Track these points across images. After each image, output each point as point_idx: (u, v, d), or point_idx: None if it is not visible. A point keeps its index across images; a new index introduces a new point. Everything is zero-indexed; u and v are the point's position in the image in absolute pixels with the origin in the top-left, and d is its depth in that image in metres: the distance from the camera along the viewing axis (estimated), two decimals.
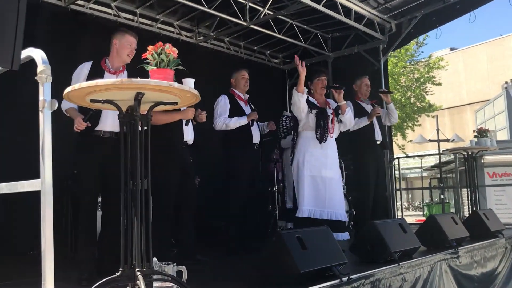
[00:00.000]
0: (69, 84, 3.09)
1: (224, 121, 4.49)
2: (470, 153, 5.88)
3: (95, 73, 3.36)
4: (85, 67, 3.43)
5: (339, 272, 2.89)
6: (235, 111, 4.56)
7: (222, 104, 4.57)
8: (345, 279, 2.86)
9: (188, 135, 4.06)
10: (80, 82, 2.86)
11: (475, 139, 5.85)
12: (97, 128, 3.39)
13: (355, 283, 2.93)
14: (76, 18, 5.48)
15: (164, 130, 3.94)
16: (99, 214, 4.33)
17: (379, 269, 3.21)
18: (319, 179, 4.28)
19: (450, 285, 3.92)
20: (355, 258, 3.68)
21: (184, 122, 3.99)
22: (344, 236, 4.31)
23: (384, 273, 3.22)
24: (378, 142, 5.33)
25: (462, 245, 4.39)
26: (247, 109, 4.69)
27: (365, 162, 5.23)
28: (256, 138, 4.67)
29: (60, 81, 2.64)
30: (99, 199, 4.14)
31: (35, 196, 1.82)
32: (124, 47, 3.45)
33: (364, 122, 5.10)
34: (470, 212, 5.59)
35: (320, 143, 4.33)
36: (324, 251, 2.98)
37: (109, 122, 3.39)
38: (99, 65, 3.46)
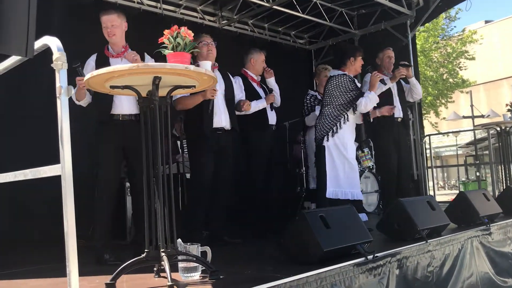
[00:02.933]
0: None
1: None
2: (503, 128, 5.70)
3: (101, 62, 3.38)
4: (91, 60, 3.47)
5: (364, 250, 2.88)
6: (249, 93, 4.51)
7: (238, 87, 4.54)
8: (370, 257, 2.84)
9: (222, 121, 4.06)
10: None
11: (509, 114, 5.67)
12: (115, 112, 3.41)
13: (381, 261, 2.91)
14: (101, 7, 5.52)
15: (192, 116, 3.99)
16: (129, 199, 4.48)
17: (406, 247, 3.18)
18: (344, 160, 4.28)
19: (482, 263, 3.84)
20: (382, 237, 3.65)
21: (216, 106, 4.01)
22: (363, 217, 4.31)
23: (411, 250, 3.18)
24: (399, 120, 5.20)
25: (495, 221, 4.28)
26: (260, 91, 4.66)
27: (384, 141, 5.14)
28: (272, 120, 4.65)
29: None
30: (128, 184, 4.27)
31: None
32: (103, 29, 3.45)
33: (384, 87, 4.85)
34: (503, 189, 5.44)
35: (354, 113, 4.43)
36: (349, 230, 2.97)
37: (125, 105, 3.42)
38: (103, 54, 3.49)
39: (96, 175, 4.68)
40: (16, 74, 2.49)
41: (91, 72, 2.41)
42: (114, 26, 3.41)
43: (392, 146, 5.11)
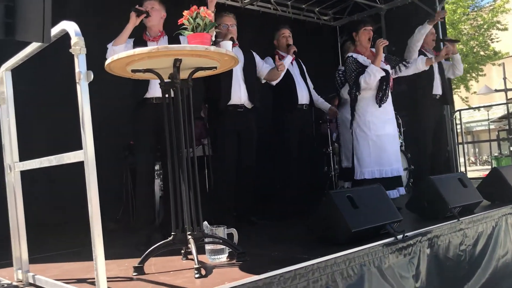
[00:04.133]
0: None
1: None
2: None
3: (139, 45, 3.40)
4: (128, 43, 3.46)
5: (393, 229, 2.82)
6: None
7: (269, 63, 4.47)
8: (400, 236, 2.79)
9: (241, 97, 4.03)
10: None
11: None
12: (148, 96, 3.49)
13: (411, 241, 2.85)
14: None
15: (212, 95, 3.96)
16: (157, 182, 4.51)
17: (437, 226, 3.10)
18: (383, 137, 4.18)
19: None
20: (412, 216, 3.58)
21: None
22: (402, 190, 4.23)
23: (443, 229, 3.11)
24: (438, 96, 5.07)
25: None
26: (293, 69, 4.59)
27: (422, 117, 5.02)
28: (304, 99, 4.57)
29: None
30: (156, 167, 4.29)
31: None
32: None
33: (425, 64, 4.64)
34: None
35: (380, 106, 4.24)
36: (377, 210, 2.91)
37: (158, 88, 3.42)
38: (142, 38, 3.54)
39: (125, 157, 4.77)
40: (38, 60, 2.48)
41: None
42: (154, 9, 3.51)
43: (430, 123, 4.99)
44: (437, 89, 5.02)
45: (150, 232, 3.48)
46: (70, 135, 2.78)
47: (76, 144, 2.15)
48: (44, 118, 4.52)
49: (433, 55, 5.04)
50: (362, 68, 4.24)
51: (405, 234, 2.82)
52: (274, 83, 4.42)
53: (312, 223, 2.93)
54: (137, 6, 3.42)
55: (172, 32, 3.61)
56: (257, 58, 4.27)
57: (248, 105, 4.07)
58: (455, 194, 3.47)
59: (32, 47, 2.12)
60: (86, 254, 2.67)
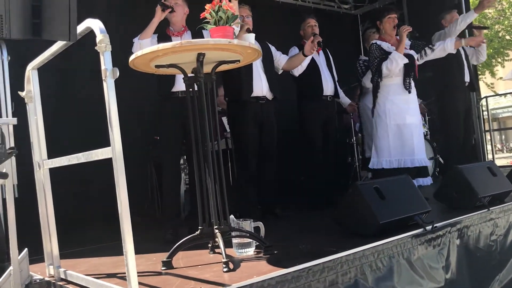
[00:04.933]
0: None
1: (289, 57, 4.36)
2: None
3: (163, 40, 3.40)
4: (153, 39, 3.48)
5: (422, 221, 2.78)
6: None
7: (294, 52, 4.44)
8: (429, 227, 2.74)
9: (263, 89, 4.02)
10: None
11: None
12: (174, 90, 3.51)
13: (440, 232, 2.80)
14: None
15: (232, 86, 3.95)
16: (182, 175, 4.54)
17: (467, 216, 3.04)
18: (403, 127, 4.11)
19: None
20: (440, 206, 3.52)
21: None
22: (426, 181, 4.16)
23: (472, 219, 3.05)
24: (467, 84, 4.98)
25: None
26: (318, 59, 4.55)
27: (452, 105, 4.91)
28: (329, 90, 4.52)
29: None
30: (181, 161, 4.32)
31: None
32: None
33: (454, 46, 4.54)
34: None
35: (410, 92, 4.18)
36: (405, 201, 2.87)
37: (182, 82, 3.45)
38: (165, 33, 3.56)
39: (150, 152, 4.81)
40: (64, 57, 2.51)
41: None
42: (177, 5, 3.54)
43: (459, 111, 4.91)
44: (466, 76, 4.92)
45: (176, 225, 3.51)
46: (97, 132, 2.81)
47: (102, 140, 2.17)
48: (70, 116, 4.58)
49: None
50: (385, 55, 4.17)
51: (434, 225, 2.78)
52: (297, 73, 4.38)
53: (338, 215, 2.90)
54: (163, 1, 3.43)
55: (194, 28, 3.63)
56: (272, 49, 4.25)
57: (270, 96, 4.06)
58: (484, 183, 3.40)
59: (58, 45, 2.13)
60: (113, 249, 2.72)
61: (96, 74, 2.03)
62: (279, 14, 6.69)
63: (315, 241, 2.76)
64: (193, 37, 3.55)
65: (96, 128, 3.18)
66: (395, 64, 4.09)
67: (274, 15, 6.53)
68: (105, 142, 2.01)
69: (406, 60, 4.13)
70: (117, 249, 2.18)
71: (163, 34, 3.54)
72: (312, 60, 4.47)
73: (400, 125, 4.15)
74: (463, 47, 5.03)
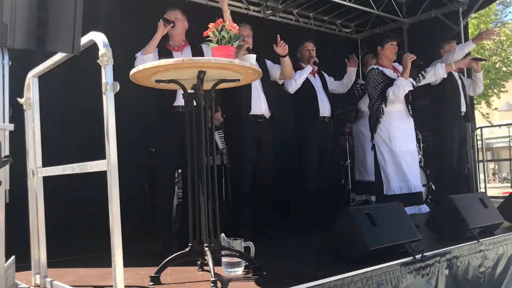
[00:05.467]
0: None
1: (291, 78, 4.37)
2: None
3: (164, 55, 3.46)
4: (155, 53, 3.49)
5: (412, 249, 2.78)
6: (303, 84, 4.47)
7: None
8: (418, 256, 2.74)
9: (262, 108, 4.04)
10: None
11: None
12: (175, 104, 3.53)
13: (430, 261, 2.80)
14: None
15: (230, 103, 3.97)
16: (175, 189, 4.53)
17: (457, 246, 3.05)
18: (407, 153, 4.16)
19: None
20: (431, 235, 3.53)
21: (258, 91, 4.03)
22: (425, 208, 4.17)
23: (462, 250, 3.06)
24: (463, 113, 5.03)
25: None
26: (315, 81, 4.60)
27: (448, 134, 4.96)
28: (325, 111, 4.55)
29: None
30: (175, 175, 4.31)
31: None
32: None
33: (445, 70, 4.59)
34: None
35: (413, 118, 4.28)
36: (396, 228, 2.87)
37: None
38: (165, 47, 3.58)
39: (144, 164, 4.80)
40: (65, 68, 2.52)
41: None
42: (178, 19, 3.58)
43: (454, 140, 4.95)
44: (462, 106, 4.98)
45: (166, 239, 3.49)
46: (90, 142, 2.80)
47: (95, 151, 2.18)
48: (67, 125, 4.57)
49: (456, 72, 5.00)
50: (389, 81, 4.22)
51: (424, 254, 2.78)
52: (291, 90, 4.41)
53: (330, 238, 2.90)
54: (165, 16, 3.47)
55: (195, 42, 3.66)
56: (268, 63, 4.26)
57: (268, 114, 4.08)
58: (475, 214, 3.41)
59: (60, 56, 2.14)
60: (102, 260, 2.69)
61: (95, 85, 2.05)
62: (282, 35, 6.73)
63: (304, 264, 2.75)
64: (192, 52, 3.58)
65: (90, 138, 3.19)
66: (402, 91, 4.15)
67: (274, 35, 6.58)
68: (98, 152, 2.03)
69: (411, 87, 4.21)
70: (105, 260, 2.17)
71: (163, 48, 3.57)
72: (309, 82, 4.52)
73: (403, 152, 4.21)
74: (460, 77, 5.10)
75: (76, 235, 4.15)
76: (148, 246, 3.44)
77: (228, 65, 2.32)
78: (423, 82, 4.51)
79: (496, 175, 24.46)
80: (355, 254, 2.67)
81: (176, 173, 4.27)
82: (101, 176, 1.94)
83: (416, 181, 4.21)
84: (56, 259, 2.96)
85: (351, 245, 2.69)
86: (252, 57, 2.68)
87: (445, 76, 4.66)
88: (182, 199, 3.84)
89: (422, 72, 4.42)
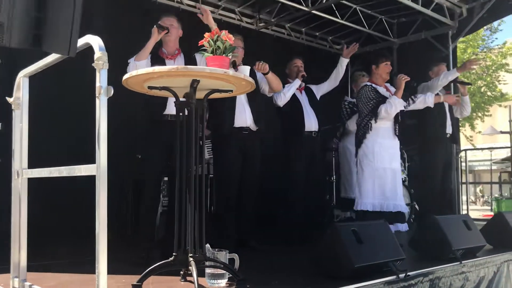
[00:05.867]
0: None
1: (280, 92, 4.40)
2: None
3: (157, 62, 3.44)
4: (148, 59, 3.47)
5: (396, 268, 2.79)
6: (290, 100, 4.50)
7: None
8: (402, 275, 2.75)
9: (247, 120, 4.04)
10: None
11: None
12: (165, 113, 3.50)
13: (413, 280, 2.81)
14: (140, 5, 5.58)
15: (216, 115, 3.96)
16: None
17: (439, 267, 3.06)
18: (388, 171, 4.18)
19: None
20: (414, 254, 3.54)
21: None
22: (404, 227, 4.22)
23: (445, 271, 3.07)
24: (448, 135, 5.09)
25: None
26: (301, 97, 4.64)
27: (433, 154, 5.02)
28: (312, 126, 4.58)
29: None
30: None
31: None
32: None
33: (433, 101, 4.68)
34: None
35: (399, 139, 4.34)
36: (381, 246, 2.88)
37: (173, 106, 3.42)
38: (158, 55, 3.55)
39: (130, 170, 4.74)
40: (57, 70, 2.49)
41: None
42: (173, 26, 3.56)
43: (439, 161, 5.00)
44: (449, 128, 5.05)
45: (149, 248, 3.45)
46: (80, 145, 2.77)
47: (83, 155, 2.15)
48: (57, 127, 4.51)
49: (444, 93, 5.08)
50: (381, 98, 4.28)
51: (407, 274, 2.79)
52: (280, 103, 4.43)
53: (315, 253, 2.89)
54: (159, 22, 3.46)
55: (186, 50, 3.66)
56: (258, 75, 4.23)
57: (253, 127, 4.07)
58: (459, 236, 3.43)
59: (53, 57, 2.13)
60: (84, 266, 2.65)
61: (88, 88, 2.03)
62: (273, 48, 6.80)
63: (288, 279, 2.74)
64: (185, 61, 3.58)
65: (81, 141, 3.14)
66: (394, 109, 4.20)
67: (268, 48, 6.63)
68: (85, 156, 2.00)
69: (403, 107, 4.26)
70: (87, 266, 2.13)
71: (156, 55, 3.55)
72: (295, 98, 4.56)
73: (386, 169, 4.24)
74: None
75: (59, 239, 4.07)
76: (130, 254, 3.39)
77: (222, 75, 2.32)
78: (412, 106, 4.58)
79: (478, 198, 24.75)
80: (340, 270, 2.67)
81: (162, 181, 4.24)
82: (87, 180, 1.92)
83: (395, 200, 4.23)
84: (36, 263, 2.91)
85: (337, 261, 2.69)
86: (246, 68, 2.69)
87: (432, 106, 4.74)
88: (167, 208, 3.80)
89: (412, 96, 4.48)
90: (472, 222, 3.73)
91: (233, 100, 3.91)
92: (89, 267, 1.79)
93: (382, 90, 4.36)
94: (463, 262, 3.25)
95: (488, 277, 3.44)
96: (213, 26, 3.38)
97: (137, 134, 3.98)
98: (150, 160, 3.55)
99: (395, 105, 4.19)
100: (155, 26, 3.42)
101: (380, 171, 4.21)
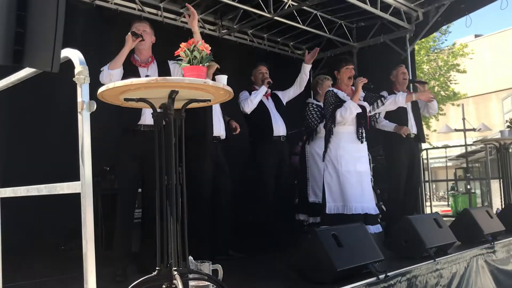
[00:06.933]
0: (97, 80, 3.09)
1: (247, 99, 4.47)
2: (503, 143, 5.72)
3: (129, 69, 3.36)
4: (121, 68, 3.36)
5: (375, 269, 2.84)
6: (257, 106, 4.54)
7: (244, 95, 4.55)
8: (382, 276, 2.81)
9: (220, 129, 4.04)
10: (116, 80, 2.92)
11: (508, 129, 5.71)
12: (140, 123, 3.41)
13: (392, 281, 2.87)
14: (102, 14, 5.47)
15: (196, 123, 3.93)
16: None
17: (415, 266, 3.15)
18: (354, 174, 4.22)
19: (487, 281, 3.83)
20: (389, 254, 3.61)
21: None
22: (376, 228, 4.25)
23: (421, 269, 3.15)
24: (412, 136, 5.21)
25: (498, 239, 4.28)
26: (268, 103, 4.68)
27: (396, 154, 5.12)
28: (280, 130, 4.63)
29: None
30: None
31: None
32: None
33: (405, 99, 4.69)
34: (503, 205, 5.46)
35: (362, 142, 4.32)
36: (360, 248, 2.93)
37: (148, 116, 3.36)
38: (131, 62, 3.45)
39: (98, 183, 4.61)
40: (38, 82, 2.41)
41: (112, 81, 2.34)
42: (146, 32, 3.45)
43: (403, 161, 5.09)
44: (412, 128, 5.14)
45: (125, 262, 3.35)
46: (60, 162, 2.68)
47: (59, 172, 2.08)
48: (36, 143, 4.35)
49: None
50: (340, 103, 4.32)
51: (387, 274, 2.84)
52: (248, 110, 4.50)
53: (295, 259, 2.90)
54: (133, 29, 3.37)
55: (159, 57, 3.59)
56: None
57: (223, 136, 4.09)
58: (431, 234, 3.53)
59: (26, 72, 2.05)
60: (61, 283, 2.56)
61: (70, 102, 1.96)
62: (236, 54, 6.80)
63: (272, 286, 2.74)
64: (159, 69, 3.51)
65: (62, 157, 3.04)
66: (348, 112, 4.23)
67: (232, 55, 6.64)
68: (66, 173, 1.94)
69: (359, 110, 4.29)
70: (65, 284, 2.07)
71: (129, 63, 3.44)
72: (262, 104, 4.60)
73: (350, 172, 4.26)
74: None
75: (33, 257, 3.92)
76: (106, 270, 3.28)
77: (201, 85, 2.29)
78: (381, 108, 4.63)
79: (434, 194, 25.53)
80: (322, 275, 2.69)
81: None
82: (65, 195, 1.85)
83: (362, 202, 4.22)
84: (14, 283, 2.79)
85: (319, 267, 2.71)
86: (224, 77, 2.67)
87: (405, 105, 4.82)
88: (140, 220, 3.71)
89: (382, 98, 4.54)
90: (442, 220, 3.85)
91: (210, 110, 3.93)
92: (68, 285, 1.72)
93: (342, 94, 4.40)
94: (436, 259, 3.34)
95: (460, 273, 3.55)
96: (197, 32, 3.33)
97: (103, 145, 3.84)
98: (124, 173, 3.45)
99: (350, 108, 4.23)
100: (129, 33, 3.31)
101: (344, 175, 4.25)
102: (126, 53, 3.31)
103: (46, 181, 1.98)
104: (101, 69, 3.31)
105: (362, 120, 4.37)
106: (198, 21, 6.52)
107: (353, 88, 4.41)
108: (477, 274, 3.76)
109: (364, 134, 4.33)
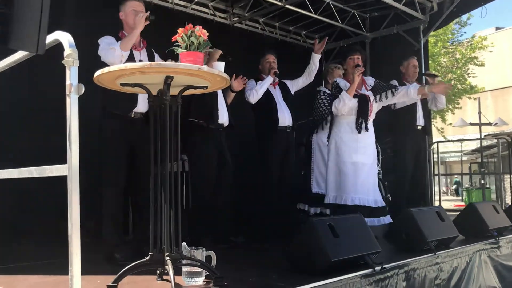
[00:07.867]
0: (93, 62, 3.02)
1: (252, 89, 4.45)
2: None
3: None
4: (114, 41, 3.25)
5: (372, 261, 2.81)
6: (264, 95, 4.52)
7: (250, 85, 4.52)
8: (378, 268, 2.78)
9: (224, 116, 4.03)
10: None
11: None
12: (135, 110, 3.35)
13: (389, 273, 2.84)
14: None
15: (200, 111, 3.93)
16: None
17: (414, 259, 3.11)
18: (350, 164, 4.17)
19: (490, 276, 3.78)
20: (389, 246, 3.59)
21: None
22: (386, 220, 4.17)
23: (419, 262, 3.12)
24: (419, 128, 5.14)
25: (504, 234, 4.21)
26: (275, 92, 4.65)
27: (402, 146, 5.08)
28: (285, 121, 4.60)
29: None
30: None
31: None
32: (129, 14, 3.32)
33: (417, 92, 4.40)
34: None
35: (360, 132, 4.23)
36: (357, 239, 2.90)
37: (140, 103, 3.34)
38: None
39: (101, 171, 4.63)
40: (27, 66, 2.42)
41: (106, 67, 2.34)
42: (141, 12, 3.29)
43: (410, 153, 5.05)
44: (420, 120, 5.09)
45: (120, 247, 3.34)
46: (51, 144, 2.69)
47: (54, 154, 2.09)
48: (26, 125, 4.37)
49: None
50: (339, 93, 4.28)
51: (383, 266, 2.82)
52: (252, 100, 4.49)
53: (290, 249, 2.89)
54: (132, 9, 3.28)
55: (169, 45, 3.56)
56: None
57: (226, 124, 4.10)
58: (432, 227, 3.49)
59: (21, 54, 2.06)
60: (55, 267, 2.59)
61: (60, 84, 1.96)
62: (247, 42, 6.76)
63: (265, 275, 2.74)
64: (149, 53, 3.48)
65: (51, 140, 3.05)
66: (341, 104, 4.18)
67: (242, 43, 6.60)
68: (56, 156, 1.95)
69: (354, 101, 4.20)
70: (59, 268, 2.08)
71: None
72: (269, 93, 4.57)
73: (346, 162, 4.20)
74: None
75: (29, 240, 3.97)
76: (100, 254, 3.30)
77: (196, 71, 2.29)
78: (394, 100, 4.48)
79: (449, 189, 25.30)
80: (316, 265, 2.67)
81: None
82: (57, 178, 1.86)
83: (358, 193, 4.13)
84: (8, 265, 2.83)
85: (313, 256, 2.69)
86: (221, 64, 2.64)
87: (417, 98, 4.66)
88: (135, 206, 3.71)
89: (393, 89, 4.36)
90: (445, 213, 3.80)
91: (215, 98, 3.92)
92: (61, 269, 1.74)
93: (343, 83, 4.34)
94: (437, 253, 3.31)
95: (461, 267, 3.50)
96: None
97: (89, 135, 3.78)
98: (115, 162, 3.35)
99: (343, 100, 4.17)
100: (142, 16, 3.17)
101: (341, 165, 4.20)
102: (137, 35, 3.24)
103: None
104: (110, 47, 3.16)
105: (363, 110, 4.27)
106: (209, 8, 6.57)
107: (368, 78, 4.39)
108: (479, 269, 3.71)
109: (364, 125, 4.23)
